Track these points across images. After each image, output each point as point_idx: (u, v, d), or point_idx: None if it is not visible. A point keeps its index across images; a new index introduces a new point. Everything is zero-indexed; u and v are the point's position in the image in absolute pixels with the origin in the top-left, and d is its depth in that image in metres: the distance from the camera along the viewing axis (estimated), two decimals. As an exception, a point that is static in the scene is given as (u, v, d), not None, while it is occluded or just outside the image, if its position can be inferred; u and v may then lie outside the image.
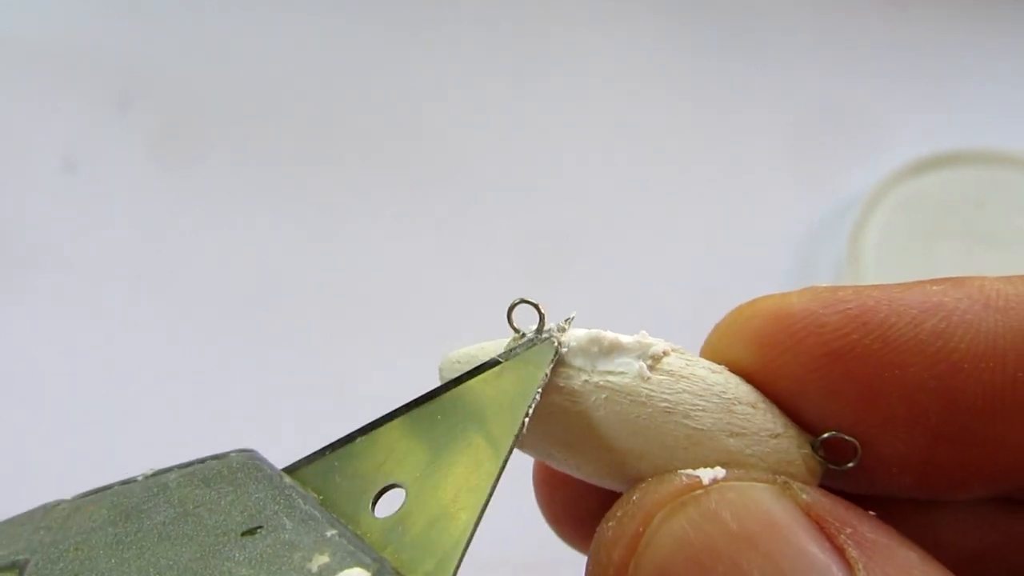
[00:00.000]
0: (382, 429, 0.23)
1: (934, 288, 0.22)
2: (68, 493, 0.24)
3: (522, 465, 0.26)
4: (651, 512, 0.21)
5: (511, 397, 0.22)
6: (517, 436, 0.22)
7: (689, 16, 0.70)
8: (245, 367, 0.57)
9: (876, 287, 0.22)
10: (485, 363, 0.23)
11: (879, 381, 0.21)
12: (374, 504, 0.22)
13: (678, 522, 0.20)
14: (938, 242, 0.58)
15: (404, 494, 0.22)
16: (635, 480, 0.22)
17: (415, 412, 0.23)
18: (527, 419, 0.22)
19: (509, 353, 0.23)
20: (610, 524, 0.21)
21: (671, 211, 0.63)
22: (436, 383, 0.25)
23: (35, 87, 0.69)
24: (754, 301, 0.23)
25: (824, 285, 0.23)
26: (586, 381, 0.22)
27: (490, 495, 0.22)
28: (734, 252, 0.61)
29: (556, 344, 0.23)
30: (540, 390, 0.22)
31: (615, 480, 0.23)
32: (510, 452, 0.22)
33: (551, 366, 0.23)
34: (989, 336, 0.21)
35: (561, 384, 0.23)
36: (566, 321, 0.23)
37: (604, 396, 0.22)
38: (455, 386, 0.23)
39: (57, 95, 0.68)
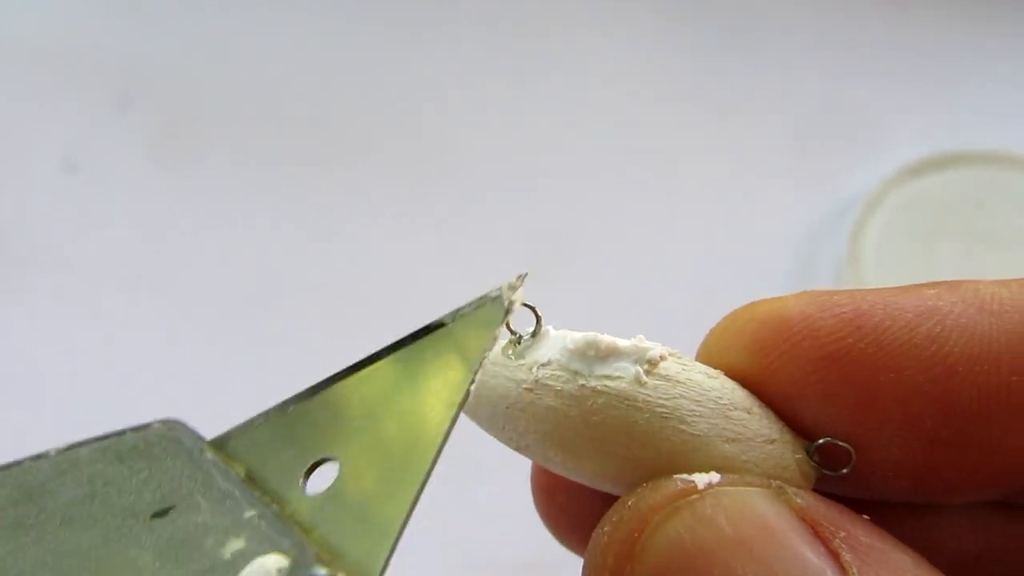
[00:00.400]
0: (319, 396, 0.22)
1: (929, 292, 0.22)
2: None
3: (520, 466, 0.26)
4: (646, 517, 0.21)
5: (456, 361, 0.21)
6: (461, 404, 0.21)
7: (689, 16, 0.70)
8: (245, 367, 0.57)
9: (871, 291, 0.22)
10: (429, 325, 0.22)
11: (874, 385, 0.22)
12: (306, 479, 0.21)
13: (673, 526, 0.20)
14: (938, 242, 0.58)
15: (338, 469, 0.21)
16: (631, 484, 0.22)
17: (354, 378, 0.22)
18: (473, 386, 0.21)
19: (455, 313, 0.22)
20: (605, 529, 0.21)
21: (671, 211, 0.63)
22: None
23: (35, 87, 0.69)
24: (749, 305, 0.23)
25: (820, 289, 0.23)
26: (583, 385, 0.22)
27: (431, 468, 0.20)
28: (734, 252, 0.61)
29: (506, 304, 0.22)
30: (487, 354, 0.21)
31: (611, 484, 0.23)
32: (453, 421, 0.21)
33: (501, 327, 0.21)
34: (984, 340, 0.21)
35: (558, 388, 0.23)
36: (518, 278, 0.22)
37: (600, 401, 0.22)
38: (398, 349, 0.22)
39: (57, 95, 0.68)
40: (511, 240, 0.61)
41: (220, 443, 0.22)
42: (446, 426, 0.20)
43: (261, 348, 0.58)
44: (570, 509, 0.26)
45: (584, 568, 0.22)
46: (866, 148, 0.64)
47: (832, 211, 0.61)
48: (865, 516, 0.21)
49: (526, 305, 0.23)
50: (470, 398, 0.21)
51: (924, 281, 0.23)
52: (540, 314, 0.24)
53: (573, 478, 0.24)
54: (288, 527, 0.19)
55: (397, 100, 0.68)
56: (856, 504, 0.22)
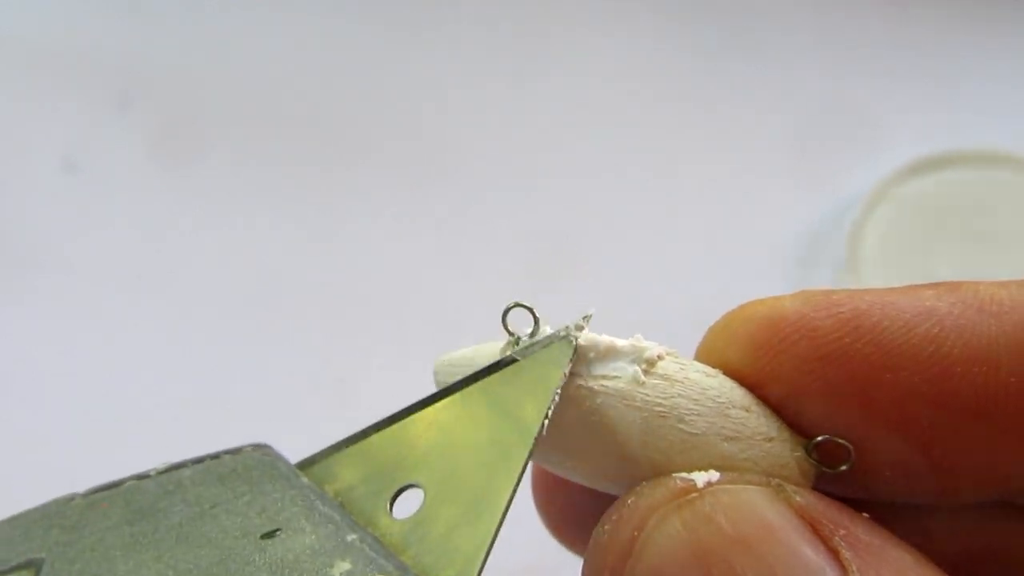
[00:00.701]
0: (398, 425, 0.23)
1: (927, 293, 0.22)
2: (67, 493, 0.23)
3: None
4: (646, 516, 0.21)
5: (529, 396, 0.22)
6: (536, 438, 0.22)
7: (689, 16, 0.70)
8: (245, 367, 0.57)
9: (869, 291, 0.22)
10: (502, 360, 0.23)
11: (872, 385, 0.21)
12: (391, 504, 0.22)
13: (672, 525, 0.20)
14: (937, 243, 0.58)
15: (422, 495, 0.22)
16: (630, 484, 0.22)
17: (431, 409, 0.23)
18: (547, 420, 0.22)
19: (526, 351, 0.23)
20: (605, 528, 0.21)
21: (671, 211, 0.63)
22: (434, 384, 0.25)
23: (35, 87, 0.69)
24: (747, 305, 0.23)
25: (818, 288, 0.23)
26: (581, 385, 0.22)
27: (511, 498, 0.21)
28: (734, 252, 0.61)
29: (574, 342, 0.23)
30: (559, 390, 0.22)
31: (610, 484, 0.23)
32: (530, 454, 0.21)
33: (570, 364, 0.22)
34: (982, 341, 0.21)
35: None
36: (584, 319, 0.23)
37: (599, 400, 0.22)
38: (472, 383, 0.23)
39: (57, 95, 0.68)
40: (511, 240, 0.61)
41: (304, 467, 0.23)
42: (523, 457, 0.21)
43: (261, 348, 0.58)
44: (569, 509, 0.26)
45: (584, 567, 0.22)
46: (866, 148, 0.64)
47: (832, 211, 0.61)
48: (865, 514, 0.21)
49: (523, 306, 0.24)
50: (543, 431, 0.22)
51: (923, 281, 0.23)
52: (538, 315, 0.24)
53: (572, 478, 0.24)
54: (387, 551, 0.21)
55: (397, 100, 0.68)
56: (856, 504, 0.22)
